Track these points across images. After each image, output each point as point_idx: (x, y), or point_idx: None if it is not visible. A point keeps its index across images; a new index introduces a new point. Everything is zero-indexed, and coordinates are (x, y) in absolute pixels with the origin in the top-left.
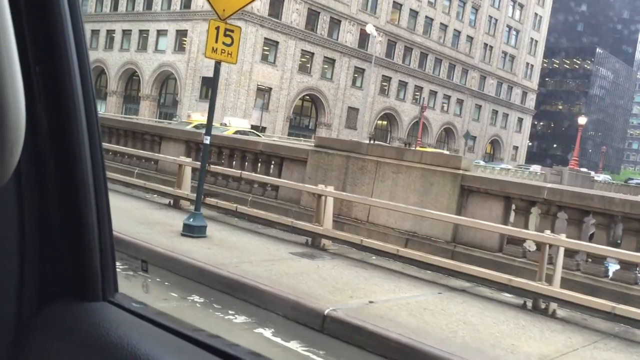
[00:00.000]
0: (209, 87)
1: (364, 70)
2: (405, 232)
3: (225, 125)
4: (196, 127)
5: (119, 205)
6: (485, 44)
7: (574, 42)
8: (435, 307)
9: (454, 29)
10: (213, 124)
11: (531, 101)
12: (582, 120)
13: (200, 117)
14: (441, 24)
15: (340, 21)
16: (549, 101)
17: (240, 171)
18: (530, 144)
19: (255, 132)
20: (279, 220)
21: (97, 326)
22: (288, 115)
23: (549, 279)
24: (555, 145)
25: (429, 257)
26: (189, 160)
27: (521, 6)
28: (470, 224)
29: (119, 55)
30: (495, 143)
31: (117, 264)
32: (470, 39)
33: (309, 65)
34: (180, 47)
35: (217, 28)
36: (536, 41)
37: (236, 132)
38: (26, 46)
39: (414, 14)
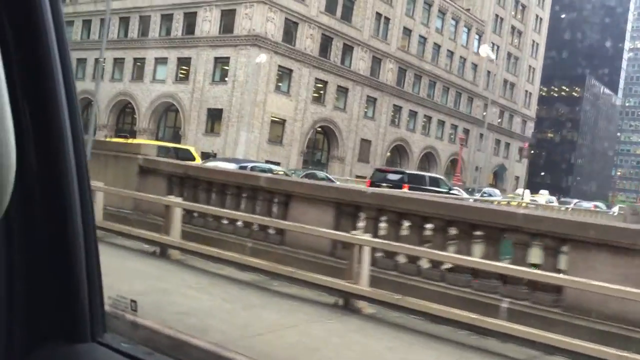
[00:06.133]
0: (215, 120)
1: (375, 99)
2: None
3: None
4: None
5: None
6: (489, 72)
7: (564, 70)
8: None
9: (460, 56)
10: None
11: (530, 130)
12: None
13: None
14: (448, 50)
15: (352, 47)
16: (541, 129)
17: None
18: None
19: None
20: None
21: None
22: (302, 149)
23: None
24: (542, 174)
25: None
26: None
27: (520, 33)
28: None
29: (110, 85)
30: (497, 173)
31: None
32: (474, 66)
33: (322, 93)
34: (182, 76)
35: None
36: (534, 68)
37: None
38: (15, 85)
39: (422, 40)
